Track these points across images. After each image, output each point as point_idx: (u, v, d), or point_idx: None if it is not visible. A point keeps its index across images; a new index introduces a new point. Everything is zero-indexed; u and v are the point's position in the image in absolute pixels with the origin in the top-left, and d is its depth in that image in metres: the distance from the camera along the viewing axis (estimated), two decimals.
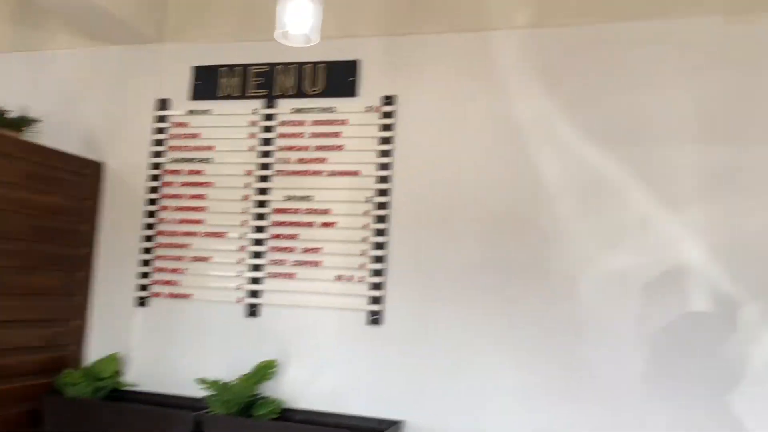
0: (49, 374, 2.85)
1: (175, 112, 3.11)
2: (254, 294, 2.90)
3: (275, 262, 2.88)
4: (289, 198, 2.91)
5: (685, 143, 2.51)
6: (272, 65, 3.01)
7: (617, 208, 2.54)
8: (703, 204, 2.46)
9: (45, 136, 3.02)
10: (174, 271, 3.00)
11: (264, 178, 2.95)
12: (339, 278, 2.80)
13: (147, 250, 3.05)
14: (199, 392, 2.73)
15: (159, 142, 3.10)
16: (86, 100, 3.23)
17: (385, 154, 2.82)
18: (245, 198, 2.95)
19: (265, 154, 2.96)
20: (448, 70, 2.80)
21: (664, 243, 2.48)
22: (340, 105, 2.90)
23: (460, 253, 2.69)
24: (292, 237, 2.88)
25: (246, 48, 3.05)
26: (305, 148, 2.92)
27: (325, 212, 2.85)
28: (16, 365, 2.73)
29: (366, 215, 2.80)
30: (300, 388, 2.78)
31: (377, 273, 2.76)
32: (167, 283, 3.00)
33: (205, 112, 3.07)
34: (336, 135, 2.89)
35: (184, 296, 2.97)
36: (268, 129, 2.98)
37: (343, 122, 2.89)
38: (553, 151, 2.64)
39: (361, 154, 2.85)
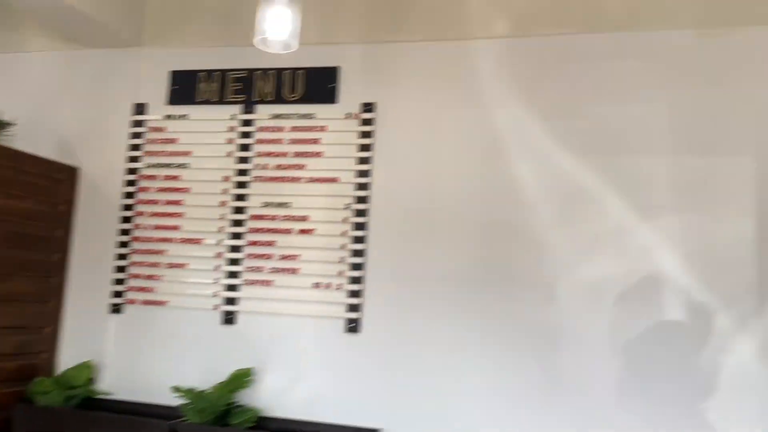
0: (20, 382, 2.80)
1: (152, 117, 3.08)
2: (231, 301, 2.87)
3: (252, 269, 2.86)
4: (267, 204, 2.89)
5: (659, 154, 2.54)
6: (251, 71, 2.99)
7: (593, 218, 2.57)
8: (676, 213, 2.49)
9: (19, 139, 2.95)
10: (149, 277, 2.96)
11: (242, 184, 2.93)
12: (316, 285, 2.78)
13: (122, 256, 3.01)
14: (174, 400, 2.70)
15: (135, 147, 3.07)
16: (62, 104, 3.19)
17: (364, 161, 2.82)
18: (222, 204, 2.93)
19: (243, 160, 2.94)
20: (428, 78, 2.81)
21: (639, 252, 2.51)
22: (320, 111, 2.90)
23: (438, 261, 2.69)
24: (269, 244, 2.86)
25: (225, 53, 3.03)
26: (284, 155, 2.91)
27: (303, 219, 2.84)
28: None
29: (344, 222, 2.79)
30: (277, 397, 2.76)
31: (355, 280, 2.75)
32: (142, 289, 2.96)
33: (182, 117, 3.04)
34: (315, 141, 2.88)
35: (160, 303, 2.94)
36: (246, 135, 2.96)
37: (322, 129, 2.89)
38: (530, 160, 2.65)
39: (340, 161, 2.85)
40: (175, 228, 2.97)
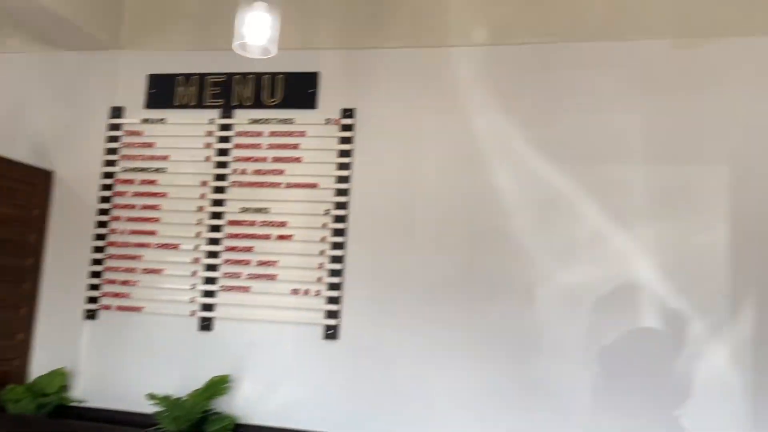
0: None
1: (129, 121, 3.04)
2: (208, 307, 2.84)
3: (230, 275, 2.84)
4: (245, 210, 2.87)
5: (635, 162, 2.57)
6: (230, 75, 2.97)
7: (571, 225, 2.58)
8: (652, 221, 2.52)
9: None
10: (125, 283, 2.92)
11: (220, 189, 2.91)
12: (295, 292, 2.77)
13: (97, 262, 2.96)
14: (149, 408, 2.66)
15: (112, 151, 3.03)
16: (36, 106, 3.14)
17: (343, 166, 2.81)
18: (200, 209, 2.91)
19: (221, 164, 2.92)
20: (408, 85, 2.81)
21: (615, 259, 2.53)
22: (299, 116, 2.89)
23: (418, 267, 2.69)
24: (247, 249, 2.84)
25: (203, 57, 3.01)
26: (262, 160, 2.89)
27: (281, 225, 2.82)
28: None
29: (323, 228, 2.78)
30: (254, 404, 2.73)
31: (334, 287, 2.74)
32: (117, 295, 2.92)
33: (160, 121, 3.01)
34: (294, 147, 2.87)
35: (135, 309, 2.90)
36: (224, 139, 2.94)
37: (301, 134, 2.87)
38: (509, 167, 2.67)
39: (319, 167, 2.84)
40: (151, 233, 2.93)
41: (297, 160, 2.86)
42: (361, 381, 2.67)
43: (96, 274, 2.96)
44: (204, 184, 2.92)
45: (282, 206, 2.84)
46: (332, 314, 2.72)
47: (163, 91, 3.02)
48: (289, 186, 2.85)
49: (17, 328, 2.91)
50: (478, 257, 2.64)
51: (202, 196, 2.91)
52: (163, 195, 2.95)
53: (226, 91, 2.97)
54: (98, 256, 2.96)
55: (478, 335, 2.60)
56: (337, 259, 2.75)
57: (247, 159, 2.90)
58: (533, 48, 2.71)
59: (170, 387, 2.73)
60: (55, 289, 2.99)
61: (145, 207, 2.95)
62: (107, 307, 2.93)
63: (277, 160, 2.87)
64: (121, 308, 2.91)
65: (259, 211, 2.86)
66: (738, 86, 2.52)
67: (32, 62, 3.19)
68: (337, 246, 2.76)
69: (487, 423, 2.55)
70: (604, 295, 2.52)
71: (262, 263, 2.82)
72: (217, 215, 2.89)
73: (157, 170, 2.97)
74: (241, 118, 2.94)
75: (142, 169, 2.99)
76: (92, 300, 2.94)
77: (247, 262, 2.83)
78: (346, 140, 2.83)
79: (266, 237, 2.83)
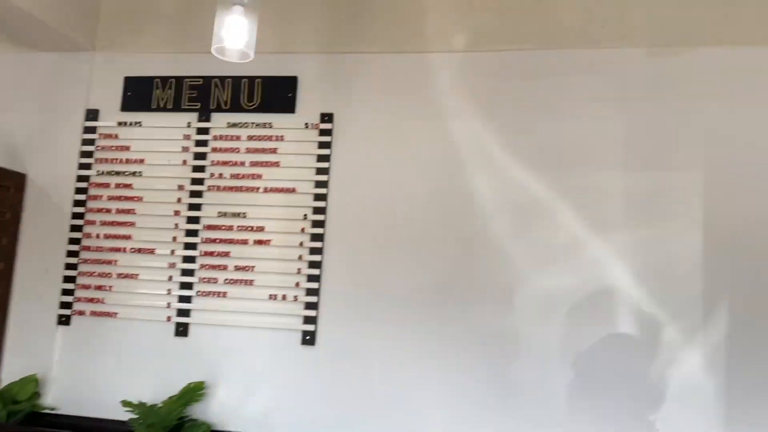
0: None
1: (104, 123, 3.00)
2: (184, 313, 2.81)
3: (206, 280, 2.81)
4: (223, 214, 2.85)
5: (611, 168, 2.59)
6: (208, 78, 2.95)
7: (548, 230, 2.60)
8: (627, 227, 2.55)
9: None
10: (99, 288, 2.88)
11: (196, 194, 2.88)
12: (272, 297, 2.75)
13: (71, 266, 2.92)
14: (124, 415, 2.63)
15: (87, 154, 2.99)
16: (10, 108, 3.07)
17: (322, 171, 2.80)
18: (176, 213, 2.88)
19: (199, 168, 2.90)
20: (387, 90, 2.82)
21: (591, 264, 2.55)
22: (277, 121, 2.87)
23: (396, 272, 2.69)
24: (224, 254, 2.82)
25: (181, 59, 2.98)
26: (240, 164, 2.87)
27: (259, 229, 2.81)
28: None
29: (301, 233, 2.77)
30: (230, 411, 2.71)
31: (312, 292, 2.72)
32: (92, 300, 2.88)
33: (136, 124, 2.97)
34: (272, 151, 2.85)
35: (110, 314, 2.86)
36: (202, 143, 2.91)
37: (279, 138, 2.86)
38: (488, 173, 2.68)
39: (297, 171, 2.83)
40: (126, 237, 2.89)
41: (275, 164, 2.84)
42: (338, 387, 2.66)
43: (70, 279, 2.91)
44: (181, 188, 2.89)
45: (260, 211, 2.82)
46: (310, 320, 2.71)
47: (140, 94, 2.99)
48: (267, 190, 2.83)
49: None
50: (457, 262, 2.65)
51: (179, 201, 2.88)
52: (138, 199, 2.91)
53: (204, 95, 2.94)
54: (72, 260, 2.92)
55: (456, 340, 2.60)
56: (314, 264, 2.74)
57: (225, 163, 2.88)
58: (512, 55, 2.72)
59: (145, 394, 2.70)
60: (27, 294, 2.93)
61: (121, 211, 2.92)
62: (81, 313, 2.88)
63: (255, 164, 2.86)
64: (95, 314, 2.87)
65: (236, 215, 2.84)
66: (711, 94, 2.56)
67: (5, 63, 3.13)
68: (315, 251, 2.75)
69: (465, 427, 2.55)
70: (580, 300, 2.54)
71: (239, 268, 2.79)
72: (193, 220, 2.86)
73: (133, 174, 2.94)
74: (219, 121, 2.92)
75: (118, 173, 2.95)
76: (66, 305, 2.89)
77: (224, 267, 2.81)
78: (324, 145, 2.82)
79: (243, 242, 2.81)
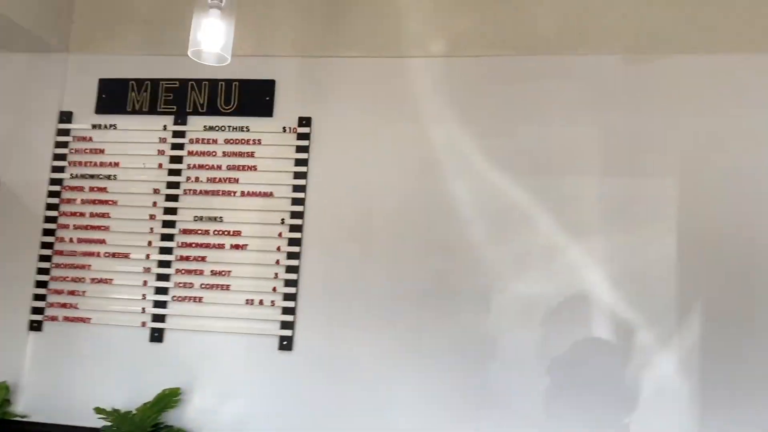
0: None
1: (78, 126, 2.96)
2: (159, 318, 2.78)
3: (182, 285, 2.78)
4: (199, 218, 2.82)
5: (587, 174, 2.61)
6: (184, 81, 2.92)
7: (525, 235, 2.61)
8: (603, 233, 2.57)
9: None
10: (72, 293, 2.83)
11: (172, 198, 2.85)
12: (249, 302, 2.73)
13: (43, 271, 2.87)
14: (97, 422, 2.58)
15: (60, 157, 2.94)
16: None
17: (299, 175, 2.79)
18: (151, 218, 2.84)
19: (174, 172, 2.87)
20: (365, 94, 2.81)
21: (567, 269, 2.57)
22: (255, 124, 2.85)
23: (373, 277, 2.68)
24: (200, 259, 2.79)
25: (157, 62, 2.95)
26: (217, 168, 2.85)
27: (236, 234, 2.78)
28: None
29: (279, 237, 2.75)
30: (206, 417, 2.68)
31: (289, 297, 2.71)
32: (64, 305, 2.83)
33: (111, 126, 2.93)
34: (249, 155, 2.83)
35: (83, 320, 2.81)
36: (178, 146, 2.88)
37: (257, 142, 2.84)
38: (465, 178, 2.69)
39: (274, 175, 2.81)
40: (101, 242, 2.85)
41: (252, 168, 2.82)
42: (315, 393, 2.64)
43: (42, 284, 2.86)
44: (156, 191, 2.86)
45: (236, 215, 2.80)
46: (287, 325, 2.69)
47: (115, 96, 2.95)
48: (244, 194, 2.81)
49: None
50: (434, 267, 2.65)
51: (154, 204, 2.85)
52: (113, 203, 2.87)
53: (181, 97, 2.91)
54: (44, 265, 2.87)
55: (434, 345, 2.60)
56: (292, 269, 2.72)
57: (201, 167, 2.85)
58: (489, 61, 2.73)
59: (119, 400, 2.66)
60: None
61: (95, 215, 2.87)
62: (53, 318, 2.83)
63: (231, 168, 2.83)
64: (68, 319, 2.83)
65: (212, 219, 2.81)
66: (685, 100, 2.59)
67: None
68: (293, 256, 2.73)
69: (442, 430, 2.55)
70: (557, 305, 2.55)
71: (215, 273, 2.77)
72: (169, 224, 2.83)
73: (107, 177, 2.90)
74: (196, 125, 2.89)
75: (92, 176, 2.91)
76: (37, 311, 2.84)
77: (200, 272, 2.78)
78: (302, 149, 2.81)
79: (220, 246, 2.79)
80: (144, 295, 2.79)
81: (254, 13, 2.81)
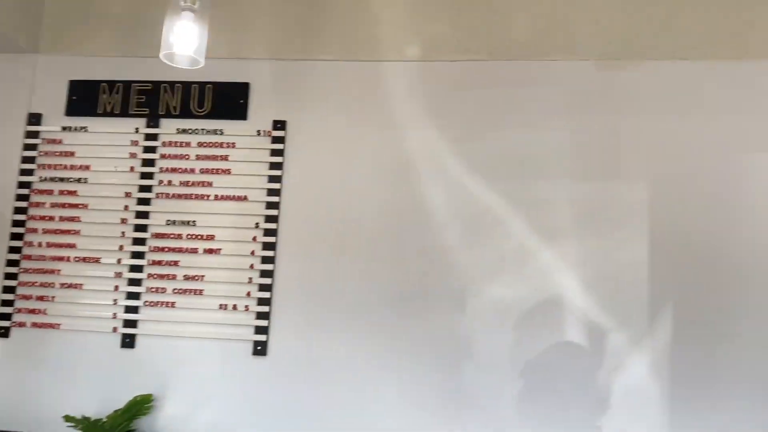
0: None
1: (47, 128, 2.90)
2: (130, 323, 2.74)
3: (154, 290, 2.74)
4: (171, 222, 2.79)
5: (560, 179, 2.64)
6: (157, 83, 2.88)
7: (499, 239, 2.63)
8: (575, 237, 2.59)
9: None
10: (41, 298, 2.78)
11: (144, 201, 2.81)
12: (223, 307, 2.70)
13: (11, 276, 2.81)
14: (67, 431, 2.53)
15: (28, 160, 2.88)
16: None
17: (274, 179, 2.77)
18: (123, 222, 2.80)
19: (147, 175, 2.83)
20: (340, 98, 2.80)
21: (540, 273, 2.59)
22: (228, 127, 2.83)
23: (348, 281, 2.67)
24: (173, 263, 2.75)
25: (129, 63, 2.91)
26: (190, 171, 2.82)
27: (209, 238, 2.76)
28: None
29: (253, 242, 2.73)
30: (178, 424, 2.64)
31: (263, 302, 2.69)
32: (33, 311, 2.77)
33: (81, 129, 2.89)
34: (223, 158, 2.81)
35: (52, 326, 2.76)
36: (150, 149, 2.85)
37: (231, 145, 2.82)
38: (440, 182, 2.69)
39: (249, 179, 2.79)
40: (70, 246, 2.80)
41: (226, 171, 2.80)
42: (291, 398, 2.63)
43: (9, 289, 2.80)
44: (128, 195, 2.82)
45: (210, 219, 2.77)
46: (261, 330, 2.67)
47: (86, 98, 2.90)
48: (218, 198, 2.78)
49: None
50: (409, 271, 2.65)
51: (126, 208, 2.81)
52: (83, 206, 2.83)
53: (153, 100, 2.88)
54: (12, 270, 2.81)
55: (409, 349, 2.60)
56: (266, 274, 2.70)
57: (174, 170, 2.82)
58: (464, 65, 2.75)
59: (89, 408, 2.61)
60: None
61: (64, 219, 2.82)
62: (21, 324, 2.78)
63: (205, 171, 2.81)
64: (36, 325, 2.77)
65: (185, 223, 2.78)
66: (656, 106, 2.63)
67: None
68: (267, 260, 2.71)
69: None
70: (530, 308, 2.57)
71: (188, 278, 2.74)
72: (141, 228, 2.79)
73: (77, 180, 2.85)
74: (168, 127, 2.86)
75: (62, 179, 2.85)
76: (5, 317, 2.78)
77: (172, 277, 2.75)
78: (277, 152, 2.79)
79: (193, 251, 2.75)
80: (115, 300, 2.75)
81: (228, 16, 2.78)
